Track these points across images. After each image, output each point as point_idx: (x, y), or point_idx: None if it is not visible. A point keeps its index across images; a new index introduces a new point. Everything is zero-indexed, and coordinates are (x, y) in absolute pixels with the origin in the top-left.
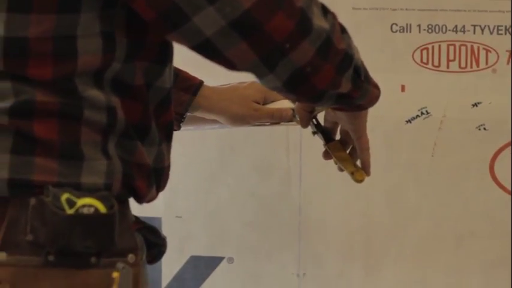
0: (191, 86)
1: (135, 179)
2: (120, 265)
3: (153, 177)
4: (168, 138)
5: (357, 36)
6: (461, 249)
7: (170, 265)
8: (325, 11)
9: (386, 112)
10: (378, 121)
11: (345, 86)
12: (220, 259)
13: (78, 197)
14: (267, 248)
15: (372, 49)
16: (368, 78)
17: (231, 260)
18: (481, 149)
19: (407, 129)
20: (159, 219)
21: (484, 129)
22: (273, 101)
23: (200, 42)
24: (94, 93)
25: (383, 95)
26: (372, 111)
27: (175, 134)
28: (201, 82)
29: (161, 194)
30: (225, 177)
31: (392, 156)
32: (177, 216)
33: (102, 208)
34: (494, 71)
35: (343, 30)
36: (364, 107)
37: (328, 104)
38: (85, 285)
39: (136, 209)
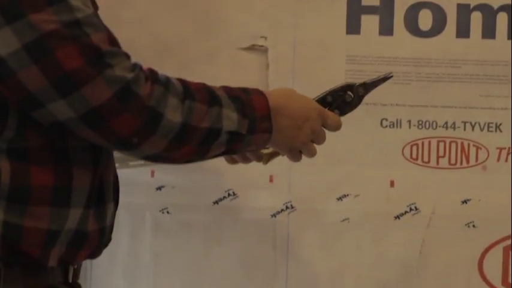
0: None
1: (19, 242)
2: None
3: (56, 241)
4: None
5: (347, 130)
6: None
7: None
8: (186, 93)
9: (375, 207)
10: (367, 216)
11: (217, 150)
12: None
13: None
14: None
15: (361, 144)
16: (254, 128)
17: None
18: (469, 247)
19: (395, 225)
20: None
21: (473, 226)
22: None
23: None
24: None
25: (372, 190)
26: (360, 207)
27: None
28: None
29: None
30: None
31: (381, 253)
32: None
33: None
34: (484, 168)
35: (212, 101)
36: (255, 149)
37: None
38: None
39: None
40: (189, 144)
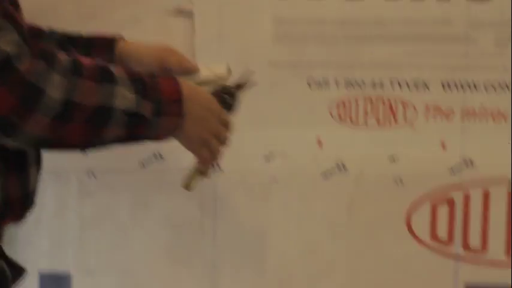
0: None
1: None
2: None
3: None
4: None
5: (274, 90)
6: None
7: None
8: (74, 69)
9: (303, 167)
10: (294, 175)
11: (115, 131)
12: None
13: None
14: None
15: (288, 103)
16: (160, 111)
17: None
18: (397, 203)
19: (324, 184)
20: (67, 276)
21: (401, 182)
22: None
23: None
24: None
25: (300, 150)
26: (288, 166)
27: None
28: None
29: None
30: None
31: (309, 212)
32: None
33: None
34: (411, 125)
35: (102, 78)
36: (161, 138)
37: (114, 144)
38: None
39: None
40: (73, 122)
